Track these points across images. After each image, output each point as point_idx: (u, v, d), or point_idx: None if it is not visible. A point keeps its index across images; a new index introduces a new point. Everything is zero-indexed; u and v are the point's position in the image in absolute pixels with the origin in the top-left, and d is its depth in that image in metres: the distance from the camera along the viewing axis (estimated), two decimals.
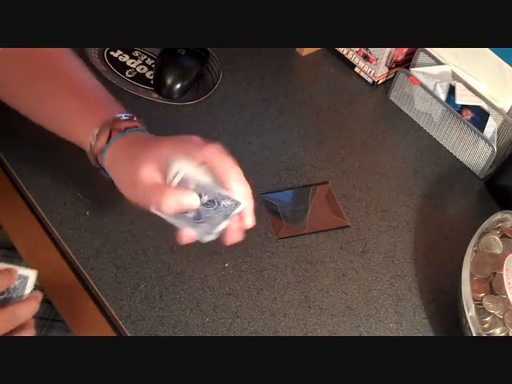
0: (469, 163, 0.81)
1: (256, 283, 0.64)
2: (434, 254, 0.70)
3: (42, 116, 0.58)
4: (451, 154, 0.82)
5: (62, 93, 0.56)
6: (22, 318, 0.50)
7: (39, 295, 0.52)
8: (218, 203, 0.52)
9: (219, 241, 0.66)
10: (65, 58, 0.59)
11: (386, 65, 0.87)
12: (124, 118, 0.54)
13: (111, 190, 0.68)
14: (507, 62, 0.75)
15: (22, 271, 0.53)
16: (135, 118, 0.55)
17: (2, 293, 0.51)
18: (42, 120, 0.58)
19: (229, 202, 0.53)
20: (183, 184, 0.51)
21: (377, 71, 0.87)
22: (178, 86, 0.78)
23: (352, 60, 0.89)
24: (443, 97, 0.80)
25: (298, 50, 0.91)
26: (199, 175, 0.52)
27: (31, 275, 0.53)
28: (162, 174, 0.50)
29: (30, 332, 0.51)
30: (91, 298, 0.63)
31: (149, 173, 0.49)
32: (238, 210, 0.53)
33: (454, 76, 0.80)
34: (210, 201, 0.52)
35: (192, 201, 0.49)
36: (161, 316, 0.60)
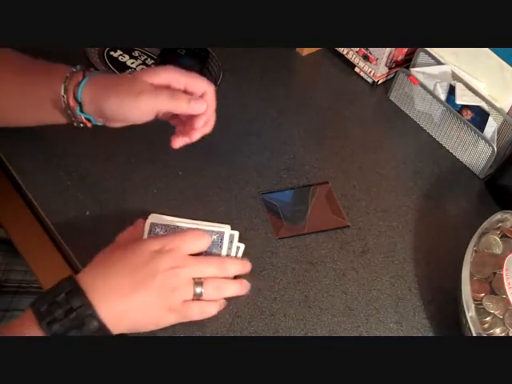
0: (469, 163, 0.81)
1: (256, 283, 0.64)
2: (434, 254, 0.70)
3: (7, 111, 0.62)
4: (451, 153, 0.82)
5: (14, 75, 0.61)
6: (231, 270, 0.59)
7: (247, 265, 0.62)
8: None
9: None
10: None
11: (386, 65, 0.87)
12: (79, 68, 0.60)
13: (111, 190, 0.68)
14: (507, 62, 0.75)
15: (217, 228, 0.63)
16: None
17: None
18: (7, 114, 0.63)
19: (215, 237, 0.62)
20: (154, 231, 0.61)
21: (377, 71, 0.87)
22: None
23: (352, 60, 0.89)
24: (443, 97, 0.80)
25: (298, 49, 0.91)
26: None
27: (226, 231, 0.63)
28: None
29: (218, 306, 0.58)
30: None
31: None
32: (225, 239, 0.62)
33: (454, 76, 0.80)
34: None
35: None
36: None
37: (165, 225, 0.62)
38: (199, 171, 0.72)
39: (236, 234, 0.64)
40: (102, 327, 0.50)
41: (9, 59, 0.62)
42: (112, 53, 0.83)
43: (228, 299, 0.61)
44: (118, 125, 0.60)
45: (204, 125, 0.61)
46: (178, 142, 0.62)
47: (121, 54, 0.83)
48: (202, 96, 0.61)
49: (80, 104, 0.58)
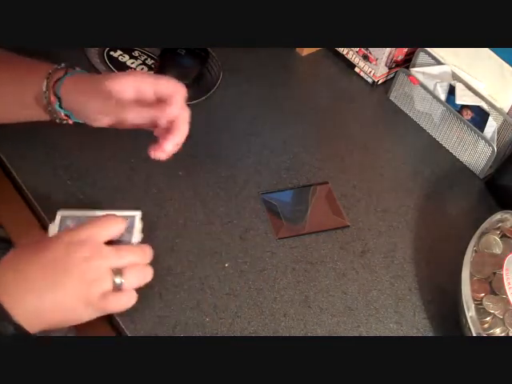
0: (469, 163, 0.81)
1: (256, 283, 0.64)
2: (434, 254, 0.70)
3: None
4: (451, 154, 0.82)
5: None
6: (150, 255, 0.55)
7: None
8: None
9: (218, 240, 0.67)
10: None
11: (386, 65, 0.87)
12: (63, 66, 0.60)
13: (111, 190, 0.68)
14: (507, 62, 0.75)
15: (127, 213, 0.57)
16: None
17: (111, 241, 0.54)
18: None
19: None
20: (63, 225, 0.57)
21: (377, 71, 0.87)
22: None
23: (352, 60, 0.89)
24: (443, 97, 0.80)
25: (298, 49, 0.91)
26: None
27: (137, 217, 0.57)
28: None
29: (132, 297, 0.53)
30: None
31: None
32: (137, 220, 0.57)
33: (454, 76, 0.80)
34: None
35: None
36: (161, 316, 0.60)
37: (76, 216, 0.57)
38: (199, 171, 0.72)
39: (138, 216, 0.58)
40: (19, 329, 0.48)
41: None
42: (112, 53, 0.83)
43: (228, 299, 0.61)
44: (96, 124, 0.59)
45: (174, 133, 0.57)
46: (157, 153, 0.58)
47: (121, 54, 0.83)
48: (170, 98, 0.57)
49: (59, 99, 0.58)
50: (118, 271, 0.51)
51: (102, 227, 0.53)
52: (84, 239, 0.51)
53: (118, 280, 0.51)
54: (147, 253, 0.54)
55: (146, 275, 0.54)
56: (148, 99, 0.57)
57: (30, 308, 0.49)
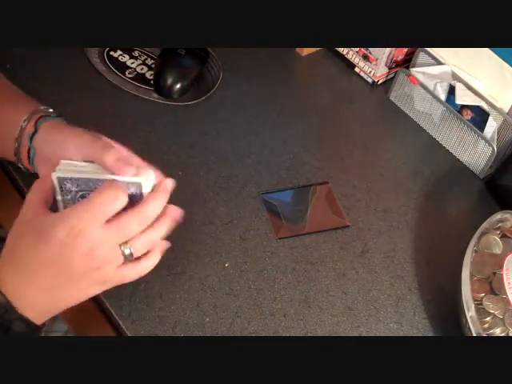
0: (469, 163, 0.81)
1: (256, 283, 0.64)
2: (434, 254, 0.70)
3: None
4: (451, 154, 0.82)
5: None
6: (151, 213, 0.51)
7: (169, 183, 0.53)
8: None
9: (218, 240, 0.67)
10: None
11: (386, 65, 0.87)
12: (44, 108, 0.59)
13: None
14: (507, 62, 0.75)
15: (134, 179, 0.51)
16: (51, 110, 0.60)
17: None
18: None
19: (132, 189, 0.52)
20: (65, 189, 0.52)
21: (377, 71, 0.87)
22: (178, 86, 0.78)
23: (352, 60, 0.89)
24: (443, 97, 0.80)
25: (297, 49, 0.91)
26: (80, 170, 0.52)
27: (143, 181, 0.51)
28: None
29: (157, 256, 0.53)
30: (91, 298, 0.63)
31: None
32: (145, 187, 0.52)
33: (454, 76, 0.80)
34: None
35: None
36: (161, 316, 0.60)
37: (75, 179, 0.52)
38: (199, 171, 0.72)
39: (151, 179, 0.53)
40: (30, 325, 0.48)
41: None
42: (112, 53, 0.83)
43: (228, 299, 0.61)
44: (43, 169, 0.57)
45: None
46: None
47: (121, 54, 0.83)
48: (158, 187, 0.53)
49: (35, 130, 0.57)
50: (125, 243, 0.50)
51: (99, 211, 0.48)
52: (79, 231, 0.48)
53: (127, 251, 0.50)
54: (146, 212, 0.51)
55: (154, 235, 0.51)
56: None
57: (42, 307, 0.49)
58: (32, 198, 0.51)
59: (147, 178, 0.52)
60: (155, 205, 0.51)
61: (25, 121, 0.57)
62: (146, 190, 0.52)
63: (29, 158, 0.58)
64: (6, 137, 0.59)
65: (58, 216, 0.49)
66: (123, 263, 0.50)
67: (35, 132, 0.57)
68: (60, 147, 0.54)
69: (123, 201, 0.49)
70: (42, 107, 0.59)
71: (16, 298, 0.48)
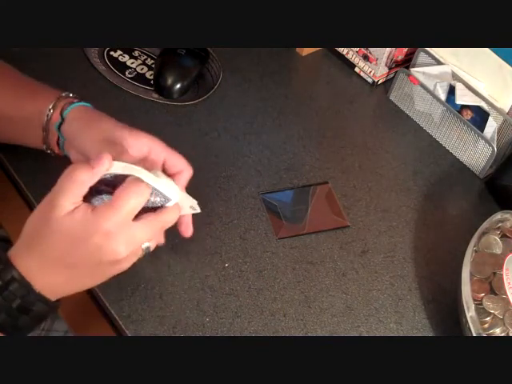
0: (469, 163, 0.81)
1: (256, 283, 0.64)
2: (434, 254, 0.70)
3: None
4: (451, 154, 0.82)
5: (5, 87, 0.62)
6: (170, 220, 0.54)
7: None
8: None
9: (218, 240, 0.67)
10: None
11: (386, 65, 0.87)
12: (66, 94, 0.61)
13: None
14: (507, 62, 0.75)
15: (165, 191, 0.52)
16: (71, 95, 0.61)
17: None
18: None
19: (158, 199, 0.53)
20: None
21: (377, 71, 0.87)
22: (178, 86, 0.78)
23: (352, 60, 0.89)
24: (443, 97, 0.80)
25: (297, 50, 0.91)
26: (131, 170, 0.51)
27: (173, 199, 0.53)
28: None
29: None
30: (91, 298, 0.63)
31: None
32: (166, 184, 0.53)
33: (454, 76, 0.80)
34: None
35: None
36: (161, 316, 0.60)
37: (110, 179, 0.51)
38: (199, 171, 0.72)
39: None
40: (50, 305, 0.50)
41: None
42: (112, 53, 0.83)
43: (228, 299, 0.61)
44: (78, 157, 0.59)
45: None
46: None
47: (121, 54, 0.83)
48: (176, 174, 0.58)
49: (62, 120, 0.58)
50: None
51: (125, 208, 0.48)
52: (110, 231, 0.48)
53: (146, 247, 0.53)
54: (166, 220, 0.53)
55: (166, 225, 0.54)
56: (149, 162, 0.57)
57: (58, 289, 0.51)
58: (66, 188, 0.49)
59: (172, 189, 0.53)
60: (174, 212, 0.54)
61: (50, 110, 0.59)
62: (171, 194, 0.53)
63: (58, 144, 0.61)
64: (33, 126, 0.60)
65: (87, 217, 0.48)
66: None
67: (62, 121, 0.58)
68: (87, 133, 0.57)
69: (147, 195, 0.50)
70: (64, 94, 0.60)
71: (39, 285, 0.49)
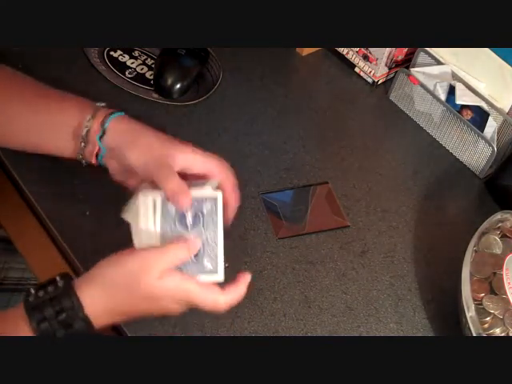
0: (469, 163, 0.81)
1: (256, 283, 0.64)
2: (434, 254, 0.70)
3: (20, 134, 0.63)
4: (451, 154, 0.82)
5: (40, 101, 0.62)
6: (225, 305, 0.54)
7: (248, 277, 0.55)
8: (202, 213, 0.54)
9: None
10: (17, 79, 0.64)
11: (386, 65, 0.87)
12: (101, 105, 0.61)
13: (111, 190, 0.68)
14: (507, 62, 0.75)
15: (208, 193, 0.54)
16: (103, 105, 0.62)
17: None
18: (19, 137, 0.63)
19: (209, 205, 0.55)
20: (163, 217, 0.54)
21: (377, 71, 0.87)
22: (178, 86, 0.78)
23: (352, 60, 0.89)
24: (443, 97, 0.80)
25: (297, 50, 0.91)
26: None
27: (219, 195, 0.55)
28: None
29: None
30: None
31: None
32: (219, 204, 0.55)
33: (454, 76, 0.80)
34: (194, 217, 0.54)
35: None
36: (161, 316, 0.60)
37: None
38: None
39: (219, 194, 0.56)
40: (90, 327, 0.50)
41: (26, 83, 0.63)
42: (112, 53, 0.83)
43: None
44: (118, 177, 0.60)
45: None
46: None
47: (121, 54, 0.83)
48: (222, 185, 0.58)
49: (103, 131, 0.58)
50: None
51: (200, 303, 0.53)
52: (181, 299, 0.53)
53: None
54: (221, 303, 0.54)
55: None
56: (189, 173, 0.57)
57: (106, 318, 0.52)
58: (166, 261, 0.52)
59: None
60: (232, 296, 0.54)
61: (89, 120, 0.59)
62: (220, 203, 0.55)
63: (97, 155, 0.60)
64: (66, 138, 0.60)
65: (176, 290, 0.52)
66: None
67: (103, 133, 0.58)
68: (133, 148, 0.56)
69: (194, 248, 0.53)
70: (98, 104, 0.61)
71: (91, 309, 0.50)
